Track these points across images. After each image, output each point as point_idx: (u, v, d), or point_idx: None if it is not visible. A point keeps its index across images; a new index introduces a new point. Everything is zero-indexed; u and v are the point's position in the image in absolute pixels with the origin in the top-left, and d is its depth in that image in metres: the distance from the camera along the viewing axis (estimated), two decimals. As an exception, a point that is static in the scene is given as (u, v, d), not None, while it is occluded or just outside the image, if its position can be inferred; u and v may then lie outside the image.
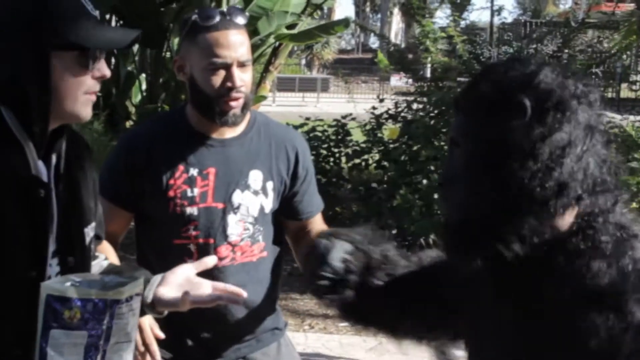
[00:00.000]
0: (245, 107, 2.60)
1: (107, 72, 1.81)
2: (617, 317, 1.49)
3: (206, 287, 2.15)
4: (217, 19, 2.53)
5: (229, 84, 2.54)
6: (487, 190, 1.58)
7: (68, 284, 1.69)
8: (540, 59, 1.67)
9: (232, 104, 2.56)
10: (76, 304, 1.66)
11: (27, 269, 1.77)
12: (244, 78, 2.56)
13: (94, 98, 1.82)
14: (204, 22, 2.53)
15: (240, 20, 2.58)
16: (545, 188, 1.55)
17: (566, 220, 1.61)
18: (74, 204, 1.89)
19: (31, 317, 1.69)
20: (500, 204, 1.57)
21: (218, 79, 2.54)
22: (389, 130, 8.58)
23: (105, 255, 2.27)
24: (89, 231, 1.95)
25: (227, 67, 2.53)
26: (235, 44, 2.54)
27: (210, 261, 2.22)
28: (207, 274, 2.62)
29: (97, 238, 2.11)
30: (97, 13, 1.80)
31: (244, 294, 2.19)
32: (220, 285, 2.18)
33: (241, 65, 2.55)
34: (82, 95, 1.78)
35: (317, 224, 2.87)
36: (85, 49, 1.75)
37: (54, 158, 1.83)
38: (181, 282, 2.12)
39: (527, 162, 1.55)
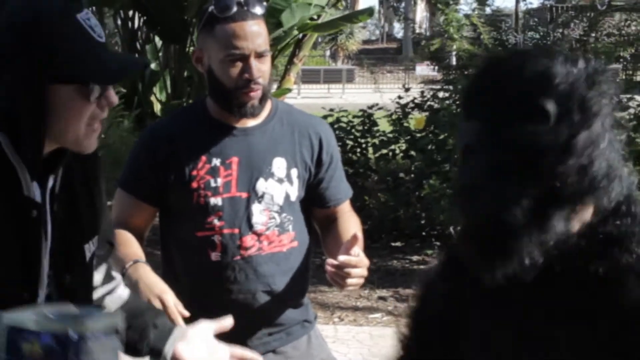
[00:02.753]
0: (263, 98, 2.59)
1: (115, 100, 1.74)
2: None
3: (223, 353, 2.08)
4: (234, 9, 2.51)
5: (246, 76, 2.52)
6: (516, 195, 1.53)
7: (32, 315, 1.54)
8: (544, 47, 1.65)
9: (251, 94, 2.55)
10: (35, 337, 1.51)
11: (20, 290, 1.71)
12: (261, 69, 2.55)
13: (98, 127, 1.74)
14: (220, 12, 2.52)
15: (258, 10, 2.55)
16: (580, 185, 1.52)
17: (585, 218, 1.57)
18: (72, 221, 1.82)
19: None
20: (531, 209, 1.52)
21: (236, 70, 2.53)
22: (416, 120, 8.53)
23: (127, 282, 2.23)
24: (90, 246, 1.88)
25: (245, 58, 2.52)
26: (252, 34, 2.52)
27: (228, 323, 2.19)
28: (234, 265, 2.62)
29: (110, 245, 2.05)
30: (103, 39, 1.71)
31: None
32: (238, 352, 2.13)
33: (259, 56, 2.54)
34: (84, 125, 1.71)
35: (346, 211, 2.85)
36: (84, 82, 1.68)
37: (50, 180, 1.77)
38: (201, 342, 2.05)
39: (556, 164, 1.51)
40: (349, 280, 2.47)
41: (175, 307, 2.39)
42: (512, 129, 1.54)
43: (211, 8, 2.53)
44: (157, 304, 2.34)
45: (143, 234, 2.71)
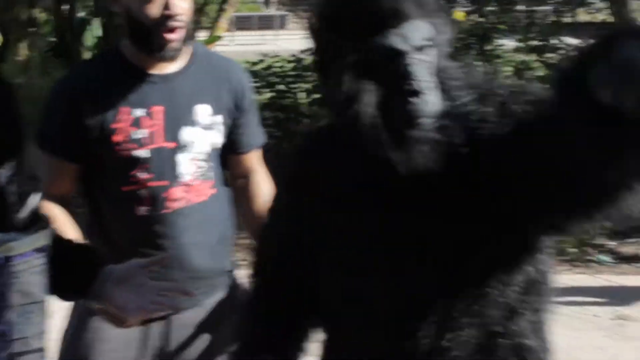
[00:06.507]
0: (185, 39, 2.45)
1: None
2: None
3: (151, 290, 1.95)
4: None
5: (167, 12, 2.38)
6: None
7: None
8: None
9: (172, 36, 2.41)
10: None
11: None
12: (182, 5, 2.41)
13: None
14: None
15: None
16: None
17: None
18: None
19: None
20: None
21: (155, 6, 2.37)
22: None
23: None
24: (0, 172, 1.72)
25: None
26: None
27: (163, 260, 2.09)
28: (162, 219, 2.52)
29: (35, 179, 1.84)
30: None
31: (191, 291, 2.15)
32: (166, 287, 2.02)
33: None
34: None
35: (257, 160, 2.77)
36: None
37: None
38: (130, 281, 1.93)
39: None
40: None
41: None
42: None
43: None
44: None
45: (70, 197, 2.58)
